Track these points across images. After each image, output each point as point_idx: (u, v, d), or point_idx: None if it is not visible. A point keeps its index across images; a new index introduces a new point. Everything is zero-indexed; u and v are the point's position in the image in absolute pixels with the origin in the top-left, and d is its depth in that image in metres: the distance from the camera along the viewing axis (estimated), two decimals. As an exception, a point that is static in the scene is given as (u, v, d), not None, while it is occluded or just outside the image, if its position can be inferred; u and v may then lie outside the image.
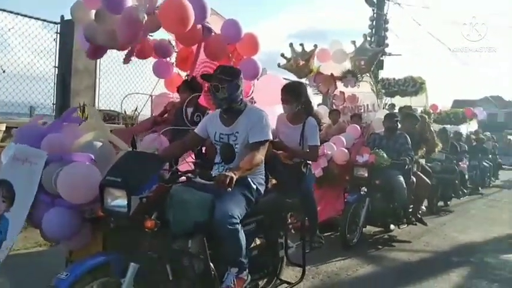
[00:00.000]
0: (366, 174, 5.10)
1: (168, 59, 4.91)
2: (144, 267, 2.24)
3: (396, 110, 9.39)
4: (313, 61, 6.91)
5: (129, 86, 7.47)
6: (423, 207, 6.57)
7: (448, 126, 12.14)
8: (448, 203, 8.48)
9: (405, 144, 5.46)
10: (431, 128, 7.37)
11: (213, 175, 2.62)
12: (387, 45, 13.80)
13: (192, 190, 2.52)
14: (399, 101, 9.85)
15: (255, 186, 2.77)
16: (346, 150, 5.55)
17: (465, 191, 9.83)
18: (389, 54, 14.46)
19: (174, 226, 2.35)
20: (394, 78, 9.88)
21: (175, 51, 4.84)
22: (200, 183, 2.46)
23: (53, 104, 6.40)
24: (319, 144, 4.05)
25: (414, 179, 5.81)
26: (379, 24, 14.17)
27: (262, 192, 2.88)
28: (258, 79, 4.88)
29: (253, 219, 2.82)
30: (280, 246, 3.15)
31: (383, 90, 9.34)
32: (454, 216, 7.66)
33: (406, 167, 5.38)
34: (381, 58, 13.99)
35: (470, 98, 35.03)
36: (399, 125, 5.71)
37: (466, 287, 4.07)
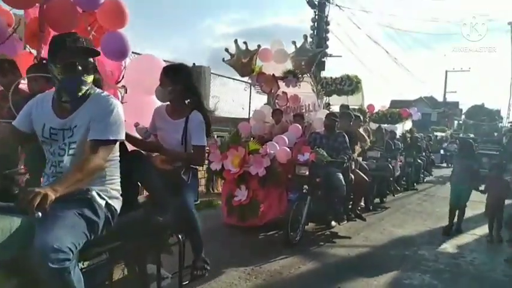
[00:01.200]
0: (307, 173, 5.17)
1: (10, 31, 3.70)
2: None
3: (335, 109, 9.64)
4: (256, 60, 6.91)
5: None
6: (362, 203, 6.76)
7: (384, 125, 12.62)
8: (384, 199, 8.70)
9: (344, 142, 5.60)
10: (361, 125, 7.59)
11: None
12: (327, 46, 14.18)
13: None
14: (336, 100, 9.97)
15: (102, 202, 2.04)
16: (289, 149, 5.59)
17: (399, 188, 10.23)
18: (331, 55, 14.91)
19: None
20: (331, 77, 10.08)
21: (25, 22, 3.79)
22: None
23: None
24: (205, 144, 3.22)
25: (352, 177, 5.96)
26: (320, 26, 14.52)
27: (118, 208, 2.16)
28: (130, 59, 4.16)
29: (103, 248, 2.05)
30: (151, 279, 2.46)
31: (323, 91, 9.55)
32: (391, 211, 7.98)
33: (345, 165, 5.54)
34: (323, 59, 14.41)
35: (407, 99, 37.00)
36: (338, 124, 5.84)
37: (402, 279, 4.23)
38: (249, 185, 5.59)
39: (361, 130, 8.29)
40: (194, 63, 10.25)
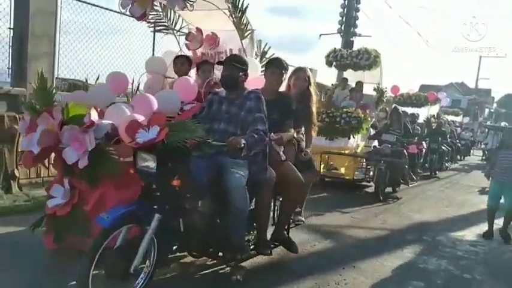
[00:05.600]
0: (155, 168, 2.70)
1: None
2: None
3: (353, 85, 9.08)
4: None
5: (91, 54, 7.09)
6: (302, 217, 4.49)
7: (408, 108, 12.20)
8: (397, 188, 8.01)
9: (257, 110, 3.09)
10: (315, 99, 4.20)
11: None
12: (356, 25, 13.83)
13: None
14: (352, 76, 9.30)
15: None
16: (143, 119, 3.02)
17: (414, 177, 9.20)
18: (360, 35, 14.55)
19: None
20: (347, 50, 9.25)
21: None
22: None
23: (8, 68, 6.07)
24: None
25: (271, 175, 3.28)
26: (351, 4, 14.17)
27: None
28: None
29: None
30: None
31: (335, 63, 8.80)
32: (411, 197, 7.90)
33: (251, 152, 2.99)
34: (351, 39, 14.14)
35: (437, 84, 36.07)
36: (242, 77, 3.25)
37: (417, 263, 4.22)
38: (73, 181, 3.30)
39: (377, 111, 7.84)
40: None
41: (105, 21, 7.18)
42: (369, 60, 8.50)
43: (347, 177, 7.88)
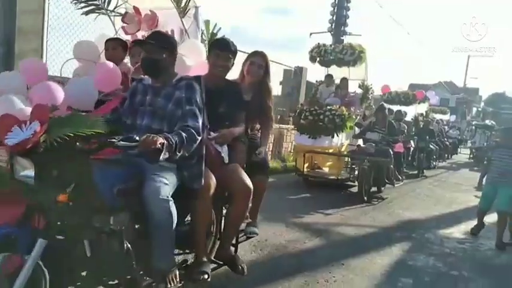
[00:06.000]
0: (33, 176, 2.14)
1: None
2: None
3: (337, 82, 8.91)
4: None
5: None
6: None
7: (397, 107, 12.13)
8: (382, 189, 7.67)
9: (190, 102, 2.54)
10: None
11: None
12: (347, 24, 13.85)
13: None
14: (337, 73, 9.02)
15: None
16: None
17: (400, 177, 8.58)
18: (350, 34, 14.60)
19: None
20: (330, 45, 8.87)
21: None
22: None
23: (-5, 65, 5.98)
24: None
25: (213, 179, 2.75)
26: (341, 3, 14.22)
27: None
28: None
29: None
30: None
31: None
32: (400, 195, 7.97)
33: (177, 156, 2.36)
34: (341, 37, 14.18)
35: (426, 83, 36.38)
36: (165, 60, 2.62)
37: (406, 260, 4.27)
38: None
39: (362, 109, 7.62)
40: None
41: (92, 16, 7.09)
42: (353, 55, 8.23)
43: (331, 177, 7.80)
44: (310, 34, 14.62)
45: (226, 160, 2.98)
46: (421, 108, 14.15)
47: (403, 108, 12.45)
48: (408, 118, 12.60)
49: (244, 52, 4.71)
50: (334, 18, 14.31)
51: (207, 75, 3.00)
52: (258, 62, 3.52)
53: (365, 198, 6.84)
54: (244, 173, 2.98)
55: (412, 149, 11.23)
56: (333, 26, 14.35)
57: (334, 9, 14.36)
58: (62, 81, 3.67)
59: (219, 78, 3.11)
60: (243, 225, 3.45)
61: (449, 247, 4.86)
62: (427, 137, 11.76)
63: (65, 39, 6.86)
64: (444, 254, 4.58)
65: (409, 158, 11.09)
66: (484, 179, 5.47)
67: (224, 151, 2.97)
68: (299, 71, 12.08)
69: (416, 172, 10.95)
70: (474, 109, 40.34)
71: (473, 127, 21.72)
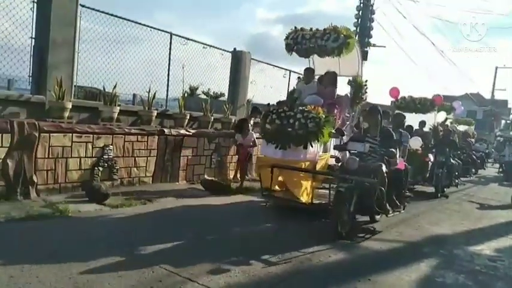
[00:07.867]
0: None
1: None
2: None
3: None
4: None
5: (110, 61, 7.24)
6: None
7: (413, 115, 11.20)
8: (377, 217, 5.87)
9: None
10: None
11: None
12: (371, 36, 13.72)
13: None
14: (321, 65, 7.22)
15: None
16: None
17: (399, 203, 6.00)
18: (374, 45, 14.54)
19: None
20: (310, 29, 6.66)
21: None
22: None
23: (29, 76, 6.20)
24: None
25: None
26: (365, 15, 14.21)
27: None
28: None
29: None
30: None
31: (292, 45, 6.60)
32: (428, 209, 7.79)
33: None
34: (366, 49, 14.12)
35: (451, 94, 35.67)
36: None
37: (434, 276, 4.15)
38: None
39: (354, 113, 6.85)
40: (235, 48, 10.30)
41: (123, 31, 7.34)
42: (337, 41, 6.24)
43: (302, 201, 5.82)
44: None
45: None
46: (441, 116, 12.72)
47: (420, 116, 11.28)
48: (426, 128, 11.26)
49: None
50: (358, 30, 14.29)
51: None
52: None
53: (342, 233, 5.02)
54: None
55: (430, 163, 9.68)
56: (357, 38, 14.32)
57: (357, 20, 14.36)
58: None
59: None
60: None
61: (480, 264, 4.70)
62: (447, 150, 10.11)
63: (95, 51, 7.08)
64: (475, 272, 4.43)
65: (427, 175, 9.63)
66: None
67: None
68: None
69: (433, 191, 9.52)
70: (503, 122, 39.31)
71: (499, 138, 21.08)
